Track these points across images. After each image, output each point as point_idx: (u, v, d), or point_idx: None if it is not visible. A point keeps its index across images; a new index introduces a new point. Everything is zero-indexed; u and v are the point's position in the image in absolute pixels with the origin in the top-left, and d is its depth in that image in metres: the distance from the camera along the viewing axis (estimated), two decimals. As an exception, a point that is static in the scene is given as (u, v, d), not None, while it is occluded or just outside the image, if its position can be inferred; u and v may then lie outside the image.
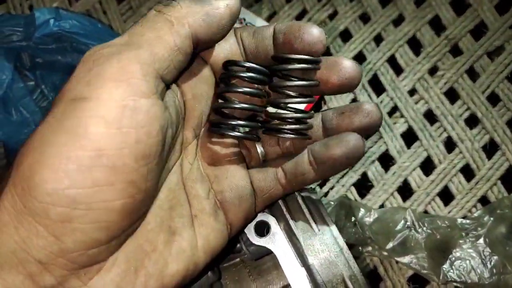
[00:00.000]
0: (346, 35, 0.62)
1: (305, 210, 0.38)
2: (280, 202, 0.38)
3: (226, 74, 0.31)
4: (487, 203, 0.52)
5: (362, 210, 0.49)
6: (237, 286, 0.33)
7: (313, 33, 0.30)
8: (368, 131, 0.32)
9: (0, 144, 0.52)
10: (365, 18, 0.62)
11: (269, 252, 0.33)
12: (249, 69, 0.31)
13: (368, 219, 0.49)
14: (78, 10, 0.65)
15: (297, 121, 0.31)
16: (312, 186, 0.55)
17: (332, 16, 0.63)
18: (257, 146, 0.34)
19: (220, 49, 0.32)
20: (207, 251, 0.29)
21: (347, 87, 0.31)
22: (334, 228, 0.33)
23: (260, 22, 0.59)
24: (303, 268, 0.31)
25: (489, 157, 0.54)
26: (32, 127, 0.53)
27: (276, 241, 0.33)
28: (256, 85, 0.32)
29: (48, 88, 0.55)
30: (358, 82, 0.31)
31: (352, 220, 0.50)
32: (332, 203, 0.51)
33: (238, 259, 0.34)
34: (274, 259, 0.33)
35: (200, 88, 0.31)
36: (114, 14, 0.65)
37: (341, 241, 0.33)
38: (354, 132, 0.31)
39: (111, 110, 0.24)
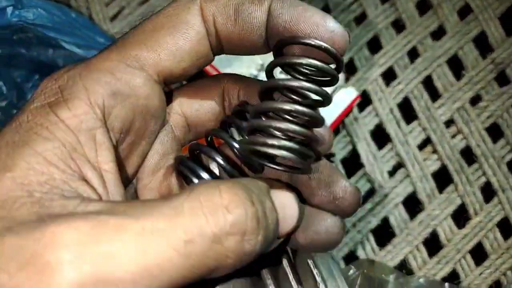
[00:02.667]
0: (374, 45, 0.52)
1: (318, 278, 0.32)
2: (285, 265, 0.32)
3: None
4: (525, 267, 0.45)
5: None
6: None
7: (336, 38, 0.21)
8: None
9: None
10: (398, 26, 0.52)
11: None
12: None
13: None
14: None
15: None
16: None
17: (359, 20, 0.53)
18: None
19: (181, 54, 0.22)
20: None
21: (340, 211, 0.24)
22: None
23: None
24: None
25: (532, 211, 0.46)
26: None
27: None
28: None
29: (8, 86, 0.43)
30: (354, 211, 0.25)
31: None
32: (352, 270, 0.42)
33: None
34: None
35: (138, 126, 0.23)
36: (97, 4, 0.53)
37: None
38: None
39: None
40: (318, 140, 0.23)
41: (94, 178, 0.20)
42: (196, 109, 0.26)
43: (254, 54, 0.24)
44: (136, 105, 0.22)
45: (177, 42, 0.22)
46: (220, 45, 0.23)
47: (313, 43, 0.21)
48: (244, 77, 0.26)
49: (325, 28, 0.21)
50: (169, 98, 0.25)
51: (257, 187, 0.20)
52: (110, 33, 0.52)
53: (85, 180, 0.20)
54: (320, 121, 0.23)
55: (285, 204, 0.21)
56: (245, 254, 0.18)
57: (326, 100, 0.22)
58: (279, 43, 0.22)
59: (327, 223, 0.24)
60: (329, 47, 0.21)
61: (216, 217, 0.17)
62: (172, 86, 0.25)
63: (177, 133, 0.26)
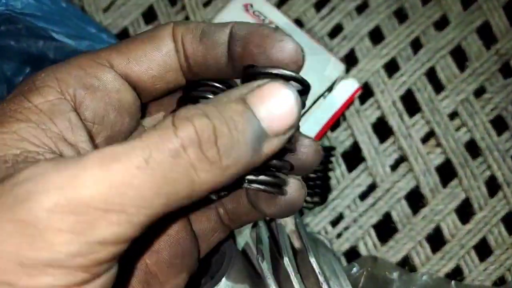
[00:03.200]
0: (376, 35, 0.50)
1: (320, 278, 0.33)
2: (287, 264, 0.33)
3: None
4: (531, 262, 0.44)
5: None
6: None
7: (286, 49, 0.22)
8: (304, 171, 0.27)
9: None
10: (401, 15, 0.51)
11: None
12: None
13: None
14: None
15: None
16: (328, 234, 0.45)
17: (361, 9, 0.51)
18: None
19: (149, 62, 0.24)
20: None
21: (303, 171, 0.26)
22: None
23: (274, 13, 0.47)
24: None
25: (538, 206, 0.45)
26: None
27: None
28: None
29: (-4, 79, 0.42)
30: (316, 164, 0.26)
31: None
32: (356, 268, 0.41)
33: None
34: None
35: (113, 119, 0.23)
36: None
37: None
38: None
39: None
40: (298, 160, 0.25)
41: (70, 153, 0.21)
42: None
43: (219, 76, 0.25)
44: (107, 98, 0.23)
45: (146, 50, 0.24)
46: (189, 63, 0.24)
47: (273, 72, 0.21)
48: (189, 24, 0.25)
49: (274, 38, 0.22)
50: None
51: (219, 99, 0.20)
52: (103, 25, 0.50)
53: (61, 155, 0.20)
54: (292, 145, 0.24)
55: (272, 104, 0.20)
56: (213, 162, 0.19)
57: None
58: (244, 75, 0.23)
59: (290, 188, 0.25)
60: (285, 72, 0.21)
61: (167, 134, 0.18)
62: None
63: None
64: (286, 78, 0.21)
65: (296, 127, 0.21)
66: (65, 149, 0.21)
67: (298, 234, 0.36)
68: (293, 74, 0.21)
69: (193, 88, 0.25)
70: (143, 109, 0.26)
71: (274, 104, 0.20)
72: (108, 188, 0.17)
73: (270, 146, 0.20)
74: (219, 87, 0.25)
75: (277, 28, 0.23)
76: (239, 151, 0.19)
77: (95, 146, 0.23)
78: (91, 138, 0.23)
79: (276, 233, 0.37)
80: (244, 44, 0.23)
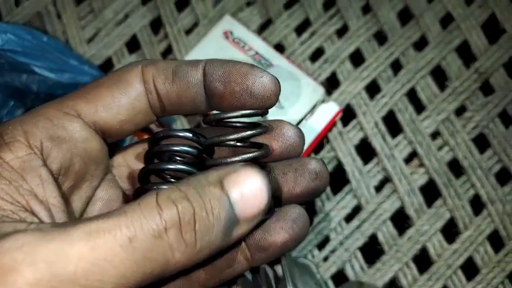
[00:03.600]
0: (357, 58, 0.51)
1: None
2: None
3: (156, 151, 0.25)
4: (518, 280, 0.44)
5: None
6: None
7: (266, 84, 0.24)
8: (314, 196, 0.29)
9: None
10: (380, 37, 0.51)
11: None
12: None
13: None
14: (27, 13, 0.52)
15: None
16: (314, 257, 0.45)
17: (341, 32, 0.52)
18: None
19: (118, 108, 0.24)
20: None
21: (289, 155, 0.28)
22: None
23: (254, 39, 0.47)
24: None
25: (523, 223, 0.45)
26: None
27: None
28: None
29: (-19, 115, 0.42)
30: (302, 149, 0.29)
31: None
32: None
33: None
34: None
35: (78, 169, 0.24)
36: (71, 18, 0.52)
37: None
38: (296, 204, 0.27)
39: None
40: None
41: (41, 211, 0.21)
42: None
43: (197, 113, 0.26)
44: (74, 148, 0.23)
45: (114, 96, 0.24)
46: (162, 104, 0.25)
47: (242, 113, 0.24)
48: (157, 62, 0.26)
49: (254, 75, 0.24)
50: (112, 151, 0.26)
51: (199, 181, 0.21)
52: (87, 56, 0.51)
53: (33, 213, 0.21)
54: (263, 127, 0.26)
55: (246, 189, 0.21)
56: (188, 245, 0.20)
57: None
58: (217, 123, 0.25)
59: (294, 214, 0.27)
60: (253, 111, 0.25)
61: (151, 214, 0.19)
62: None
63: (121, 184, 0.26)
64: (252, 115, 0.25)
65: (266, 211, 0.22)
66: (37, 206, 0.21)
67: (281, 262, 0.36)
68: (251, 111, 0.24)
69: (157, 145, 0.26)
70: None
71: (247, 190, 0.21)
72: (91, 265, 0.18)
73: (240, 231, 0.21)
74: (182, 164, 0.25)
75: (252, 65, 0.25)
76: (213, 236, 0.20)
77: (64, 199, 0.23)
78: (59, 186, 0.23)
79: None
80: (225, 84, 0.24)
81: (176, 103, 0.25)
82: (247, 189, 0.21)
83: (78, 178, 0.24)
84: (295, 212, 0.27)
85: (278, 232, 0.26)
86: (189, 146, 0.25)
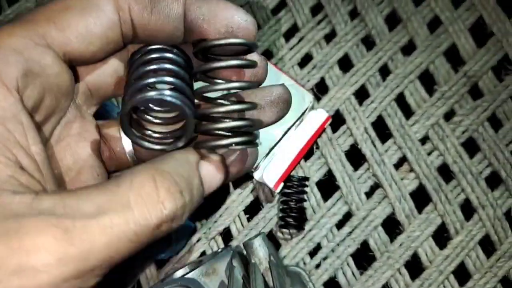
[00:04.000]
0: (345, 63, 0.50)
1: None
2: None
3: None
4: (509, 285, 0.44)
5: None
6: None
7: (249, 27, 0.25)
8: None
9: None
10: (368, 42, 0.51)
11: None
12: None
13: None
14: (9, 20, 0.51)
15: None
16: (306, 265, 0.44)
17: (329, 37, 0.51)
18: (123, 143, 0.28)
19: (90, 37, 0.23)
20: None
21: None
22: None
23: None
24: None
25: (513, 227, 0.45)
26: None
27: None
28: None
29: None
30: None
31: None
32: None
33: None
34: None
35: (48, 104, 0.23)
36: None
37: None
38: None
39: None
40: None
41: (29, 164, 0.21)
42: (97, 75, 0.26)
43: (169, 43, 0.25)
44: (46, 83, 0.22)
45: (87, 25, 0.22)
46: (135, 33, 0.24)
47: (233, 41, 0.24)
48: None
49: (239, 17, 0.24)
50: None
51: (186, 169, 0.24)
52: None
53: (22, 168, 0.21)
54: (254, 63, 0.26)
55: (211, 175, 0.25)
56: (173, 229, 0.23)
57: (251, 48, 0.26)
58: (200, 50, 0.25)
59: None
60: (244, 41, 0.25)
61: (156, 212, 0.21)
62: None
63: (78, 101, 0.26)
64: (238, 45, 0.25)
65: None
66: (24, 159, 0.21)
67: (271, 273, 0.36)
68: (243, 41, 0.24)
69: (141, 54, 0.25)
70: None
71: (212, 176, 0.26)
72: (107, 256, 0.21)
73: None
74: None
75: (235, 6, 0.24)
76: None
77: (44, 144, 0.23)
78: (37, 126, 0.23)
79: (251, 272, 0.37)
80: (209, 23, 0.23)
81: (151, 35, 0.24)
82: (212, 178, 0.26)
83: (47, 114, 0.23)
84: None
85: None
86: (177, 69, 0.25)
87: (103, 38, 0.23)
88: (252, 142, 0.26)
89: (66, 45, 0.22)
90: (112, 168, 0.28)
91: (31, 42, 0.21)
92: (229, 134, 0.25)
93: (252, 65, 0.25)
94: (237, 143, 0.25)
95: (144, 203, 0.21)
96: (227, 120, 0.25)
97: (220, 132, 0.25)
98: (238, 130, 0.26)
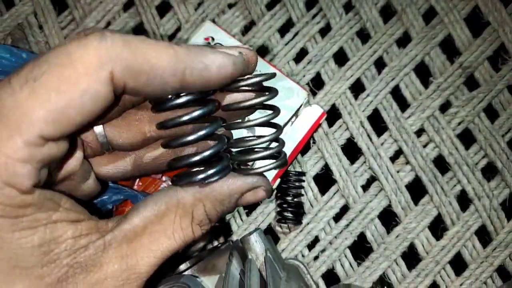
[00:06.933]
0: (341, 57, 0.51)
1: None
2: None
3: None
4: (505, 274, 0.44)
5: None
6: None
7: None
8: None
9: None
10: (363, 35, 0.51)
11: None
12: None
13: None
14: (7, 25, 0.52)
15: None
16: (304, 257, 0.45)
17: (324, 32, 0.51)
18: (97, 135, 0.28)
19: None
20: None
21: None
22: None
23: (235, 43, 0.47)
24: None
25: (509, 217, 0.45)
26: None
27: None
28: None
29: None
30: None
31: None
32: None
33: None
34: None
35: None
36: (53, 29, 0.51)
37: None
38: None
39: None
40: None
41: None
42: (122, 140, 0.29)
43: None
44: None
45: (84, 120, 0.23)
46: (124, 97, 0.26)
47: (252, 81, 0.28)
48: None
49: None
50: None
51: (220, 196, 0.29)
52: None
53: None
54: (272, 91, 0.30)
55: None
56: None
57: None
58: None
59: None
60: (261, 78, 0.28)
61: (179, 240, 0.28)
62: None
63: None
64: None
65: None
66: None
67: (265, 269, 0.37)
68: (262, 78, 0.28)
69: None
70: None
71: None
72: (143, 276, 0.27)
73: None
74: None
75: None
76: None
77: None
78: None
79: (247, 269, 0.37)
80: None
81: (143, 98, 0.27)
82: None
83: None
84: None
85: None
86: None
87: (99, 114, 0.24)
88: (286, 162, 0.29)
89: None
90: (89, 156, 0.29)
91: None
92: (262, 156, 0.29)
93: (274, 93, 0.29)
94: (275, 167, 0.29)
95: (174, 239, 0.27)
96: (260, 149, 0.29)
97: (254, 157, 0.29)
98: (271, 154, 0.29)
